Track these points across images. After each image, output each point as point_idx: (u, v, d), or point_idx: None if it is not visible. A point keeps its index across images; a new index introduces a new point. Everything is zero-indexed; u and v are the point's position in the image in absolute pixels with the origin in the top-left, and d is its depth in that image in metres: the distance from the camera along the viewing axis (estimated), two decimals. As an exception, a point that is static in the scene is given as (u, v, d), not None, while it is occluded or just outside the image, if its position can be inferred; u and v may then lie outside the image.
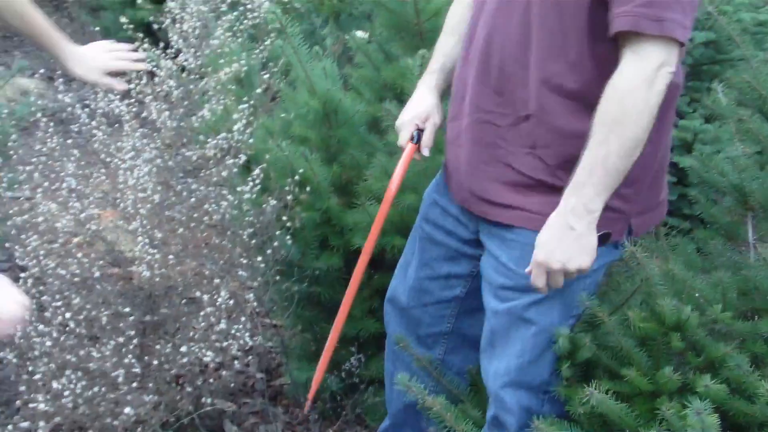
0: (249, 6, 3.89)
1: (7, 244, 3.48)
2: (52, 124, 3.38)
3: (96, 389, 2.93)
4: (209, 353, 3.07)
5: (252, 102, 3.46)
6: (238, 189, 3.27)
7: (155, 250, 3.11)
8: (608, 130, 2.14)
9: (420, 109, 2.77)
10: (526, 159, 2.38)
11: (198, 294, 3.18)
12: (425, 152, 2.76)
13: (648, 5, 2.07)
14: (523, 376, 2.52)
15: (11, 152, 3.39)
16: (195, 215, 3.29)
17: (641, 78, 2.10)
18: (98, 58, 2.88)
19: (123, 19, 3.31)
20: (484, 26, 2.45)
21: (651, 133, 2.26)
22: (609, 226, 2.36)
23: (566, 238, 2.22)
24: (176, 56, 3.45)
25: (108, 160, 3.36)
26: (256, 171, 3.27)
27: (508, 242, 2.46)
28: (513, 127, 2.41)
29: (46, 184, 3.35)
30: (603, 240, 2.28)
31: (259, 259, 3.27)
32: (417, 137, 2.74)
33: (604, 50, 2.20)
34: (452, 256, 2.77)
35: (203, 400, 3.20)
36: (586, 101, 2.22)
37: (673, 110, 2.46)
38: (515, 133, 2.40)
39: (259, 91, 3.76)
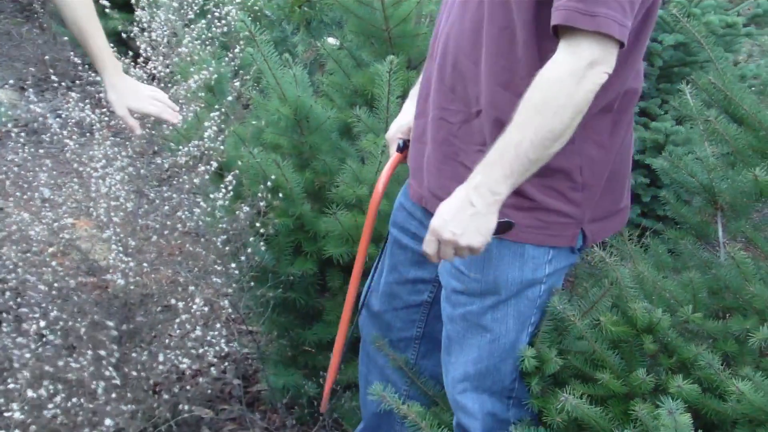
0: (217, 14, 3.90)
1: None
2: (23, 134, 3.37)
3: (74, 399, 2.93)
4: (186, 360, 3.07)
5: (223, 110, 3.47)
6: (211, 196, 3.28)
7: (129, 258, 3.11)
8: (527, 117, 2.08)
9: (403, 121, 2.82)
10: (477, 156, 2.30)
11: (173, 302, 3.17)
12: (409, 162, 2.78)
13: (582, 0, 2.03)
14: (483, 382, 2.52)
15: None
16: (168, 223, 3.29)
17: (569, 71, 2.05)
18: (136, 97, 2.94)
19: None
20: (446, 23, 2.46)
21: (602, 138, 2.28)
22: (559, 231, 2.36)
23: (463, 212, 2.15)
24: (146, 64, 3.46)
25: (80, 169, 3.36)
26: (229, 178, 3.28)
27: None
28: (464, 125, 2.40)
29: (18, 193, 3.34)
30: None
31: (234, 265, 3.27)
32: (402, 146, 2.80)
33: (551, 47, 2.14)
34: (418, 261, 2.78)
35: (180, 407, 3.19)
36: None
37: (629, 116, 2.43)
38: (467, 131, 2.40)
39: (230, 99, 3.76)
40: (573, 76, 2.04)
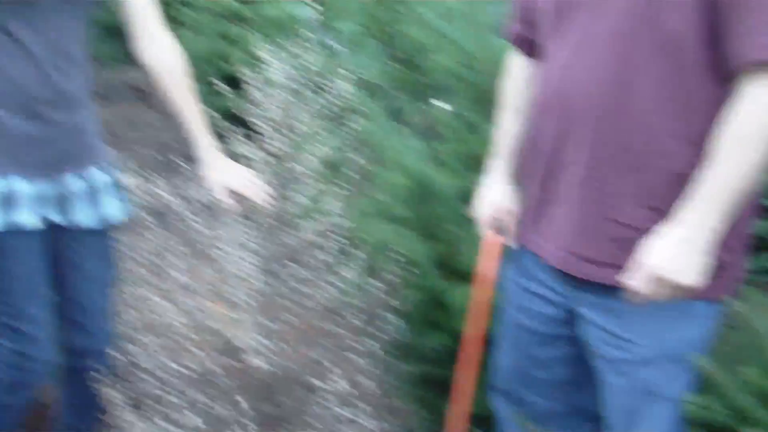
0: (329, 88, 3.96)
1: (122, 342, 3.55)
2: (152, 218, 3.46)
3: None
4: (334, 441, 3.09)
5: (345, 184, 3.51)
6: (342, 273, 3.31)
7: (268, 341, 3.16)
8: (733, 150, 2.09)
9: (494, 198, 2.77)
10: (636, 212, 2.30)
11: (316, 382, 3.21)
12: (512, 243, 2.73)
13: None
14: None
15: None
16: (303, 301, 3.32)
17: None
18: (235, 177, 3.02)
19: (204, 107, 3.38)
20: (557, 69, 2.41)
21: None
22: (722, 283, 2.31)
23: (687, 251, 2.13)
24: (264, 143, 3.52)
25: (209, 252, 3.42)
26: (358, 253, 3.30)
27: (617, 311, 2.34)
28: (617, 178, 2.31)
29: (155, 282, 3.42)
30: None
31: (372, 342, 3.30)
32: (502, 228, 2.74)
33: (717, 88, 2.17)
34: (545, 341, 2.69)
35: (334, 491, 3.21)
36: (702, 142, 2.16)
37: None
38: (618, 186, 2.31)
39: (350, 173, 3.81)
40: None
